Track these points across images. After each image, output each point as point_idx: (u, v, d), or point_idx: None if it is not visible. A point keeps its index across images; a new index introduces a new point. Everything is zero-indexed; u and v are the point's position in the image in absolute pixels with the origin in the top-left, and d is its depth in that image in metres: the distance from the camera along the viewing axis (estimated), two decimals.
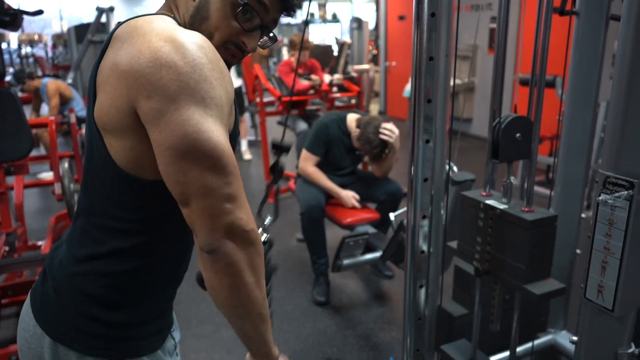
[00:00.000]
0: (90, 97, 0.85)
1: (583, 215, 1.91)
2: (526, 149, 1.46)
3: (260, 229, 1.10)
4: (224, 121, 0.80)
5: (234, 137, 0.90)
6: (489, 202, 1.49)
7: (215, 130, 0.78)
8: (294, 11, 0.96)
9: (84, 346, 0.90)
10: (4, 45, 13.60)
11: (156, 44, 0.77)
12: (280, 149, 1.09)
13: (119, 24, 0.87)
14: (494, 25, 6.44)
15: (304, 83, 4.74)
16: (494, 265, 1.49)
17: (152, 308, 0.98)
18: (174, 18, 0.90)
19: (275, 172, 1.10)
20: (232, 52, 0.93)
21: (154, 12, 0.94)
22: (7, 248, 2.99)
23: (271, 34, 0.98)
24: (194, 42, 0.79)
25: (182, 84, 0.76)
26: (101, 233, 0.90)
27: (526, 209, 1.43)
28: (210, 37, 0.89)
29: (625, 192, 0.95)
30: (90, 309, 0.90)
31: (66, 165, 3.52)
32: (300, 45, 4.28)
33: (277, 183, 1.12)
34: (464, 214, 1.60)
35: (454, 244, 1.68)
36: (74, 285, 0.91)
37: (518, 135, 1.44)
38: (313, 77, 4.70)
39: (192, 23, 0.90)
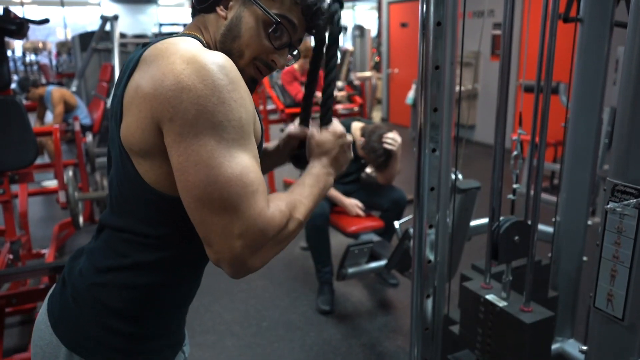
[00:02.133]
0: (117, 118, 0.87)
1: (589, 222, 1.90)
2: (525, 249, 1.53)
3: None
4: (243, 142, 0.82)
5: (259, 147, 0.93)
6: (489, 297, 1.55)
7: (227, 157, 0.79)
8: (319, 31, 1.01)
9: (101, 357, 0.92)
10: (8, 53, 13.69)
11: (179, 67, 0.79)
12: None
13: (147, 45, 0.90)
14: (497, 32, 6.45)
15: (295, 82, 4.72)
16: (495, 357, 1.55)
17: (168, 323, 1.00)
18: (201, 38, 0.93)
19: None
20: (260, 69, 0.97)
21: (181, 33, 0.97)
22: (11, 256, 2.99)
23: (295, 52, 1.03)
24: (215, 62, 0.81)
25: (200, 107, 0.78)
26: (125, 246, 0.92)
27: (525, 309, 1.49)
28: (240, 55, 0.93)
29: (634, 200, 0.95)
30: (109, 320, 0.92)
31: (70, 173, 3.53)
32: (306, 52, 4.29)
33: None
34: (464, 304, 1.66)
35: (455, 329, 1.72)
36: (94, 296, 0.92)
37: (517, 238, 1.51)
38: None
39: (224, 41, 0.93)
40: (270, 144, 1.21)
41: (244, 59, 0.94)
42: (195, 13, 1.00)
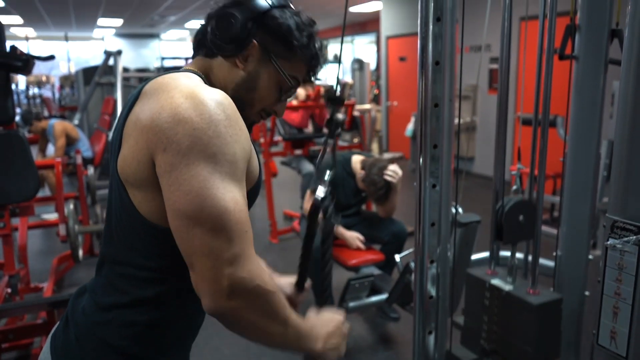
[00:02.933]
0: (115, 149, 0.89)
1: (590, 256, 1.89)
2: (530, 230, 1.49)
3: (319, 184, 1.09)
4: (235, 177, 0.82)
5: (255, 190, 0.95)
6: (495, 282, 1.51)
7: (220, 189, 0.79)
8: (313, 80, 1.07)
9: None
10: (12, 86, 13.86)
11: (177, 101, 0.81)
12: (335, 100, 1.09)
13: (148, 80, 0.92)
14: (494, 66, 6.56)
15: (297, 111, 4.76)
16: (501, 345, 1.50)
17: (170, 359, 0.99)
18: (202, 76, 0.95)
19: (332, 124, 1.11)
20: (262, 117, 1.02)
21: (183, 69, 0.99)
22: (9, 290, 2.96)
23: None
24: (214, 98, 0.82)
25: (195, 139, 0.79)
26: (125, 282, 0.92)
27: (532, 291, 1.45)
28: (251, 105, 0.98)
29: (634, 236, 0.95)
30: (111, 358, 0.91)
31: (71, 206, 3.53)
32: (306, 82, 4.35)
33: (334, 135, 1.12)
34: (469, 291, 1.61)
35: (460, 320, 1.68)
36: (96, 334, 0.92)
37: (521, 217, 1.48)
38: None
39: (238, 90, 0.96)
40: None
41: (254, 109, 0.99)
42: (196, 54, 1.02)
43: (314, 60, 1.01)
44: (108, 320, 0.92)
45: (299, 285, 1.16)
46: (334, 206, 1.08)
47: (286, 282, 1.21)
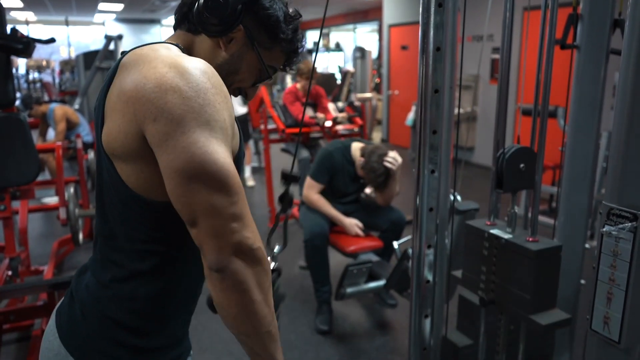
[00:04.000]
0: (99, 124, 0.89)
1: (587, 246, 1.91)
2: (530, 179, 1.48)
3: (269, 258, 1.11)
4: (228, 143, 0.83)
5: (239, 159, 0.95)
6: (494, 231, 1.50)
7: (220, 152, 0.80)
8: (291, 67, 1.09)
9: None
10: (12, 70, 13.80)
11: (161, 70, 0.81)
12: (289, 178, 1.11)
13: (125, 52, 0.92)
14: (495, 56, 6.54)
15: (307, 115, 4.78)
16: (499, 294, 1.49)
17: (173, 333, 1.01)
18: (181, 47, 0.95)
19: (285, 201, 1.12)
20: (234, 94, 1.03)
21: (160, 41, 0.98)
22: (9, 272, 2.99)
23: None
24: (197, 67, 0.83)
25: (187, 107, 0.79)
26: (120, 256, 0.94)
27: (531, 239, 1.44)
28: (229, 85, 0.98)
29: (629, 223, 0.96)
30: (116, 333, 0.93)
31: (72, 190, 3.54)
32: (308, 73, 4.34)
33: (286, 212, 1.14)
34: (468, 243, 1.60)
35: (458, 273, 1.68)
36: (101, 310, 0.94)
37: (522, 165, 1.45)
38: (318, 115, 4.75)
39: (219, 71, 0.95)
40: None
41: (231, 88, 1.01)
42: (179, 26, 1.01)
43: (294, 53, 1.04)
44: (109, 295, 0.94)
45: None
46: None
47: None
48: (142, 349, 0.95)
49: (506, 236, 1.47)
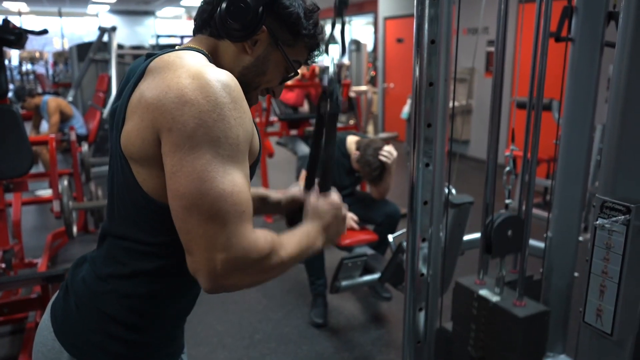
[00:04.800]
0: (119, 125, 0.89)
1: (580, 238, 1.92)
2: (517, 243, 1.55)
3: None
4: (237, 160, 0.84)
5: (255, 163, 0.97)
6: (482, 293, 1.56)
7: (220, 172, 0.81)
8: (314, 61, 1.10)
9: None
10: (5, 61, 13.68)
11: (184, 81, 0.81)
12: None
13: (151, 55, 0.92)
14: (491, 49, 6.53)
15: (292, 91, 4.76)
16: (488, 353, 1.56)
17: (168, 331, 1.02)
18: (207, 54, 0.95)
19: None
20: (262, 95, 1.05)
21: (186, 46, 0.98)
22: (3, 265, 2.97)
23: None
24: (220, 80, 0.83)
25: (200, 121, 0.80)
26: (125, 255, 0.94)
27: (518, 303, 1.50)
28: (257, 86, 1.00)
29: (622, 216, 0.97)
30: (111, 327, 0.93)
31: (65, 182, 3.53)
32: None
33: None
34: (458, 299, 1.67)
35: (449, 326, 1.73)
36: (96, 304, 0.94)
37: (510, 232, 1.53)
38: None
39: (246, 74, 0.98)
40: (273, 195, 1.24)
41: (258, 90, 1.02)
42: (198, 31, 1.01)
43: (317, 46, 1.04)
44: (107, 290, 0.94)
45: (308, 185, 1.17)
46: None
47: (295, 188, 1.24)
48: (137, 344, 0.95)
49: (494, 299, 1.53)
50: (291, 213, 1.22)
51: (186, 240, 0.83)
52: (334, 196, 1.09)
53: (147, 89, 0.85)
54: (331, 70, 1.13)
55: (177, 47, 0.95)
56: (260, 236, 0.86)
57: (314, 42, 1.03)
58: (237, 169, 0.84)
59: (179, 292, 1.00)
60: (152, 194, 0.88)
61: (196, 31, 1.02)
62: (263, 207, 1.21)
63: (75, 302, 0.96)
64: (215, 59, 0.97)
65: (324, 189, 1.10)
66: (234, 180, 0.82)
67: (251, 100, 1.01)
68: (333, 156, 1.13)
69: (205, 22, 0.98)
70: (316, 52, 1.06)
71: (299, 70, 1.08)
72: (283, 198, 1.23)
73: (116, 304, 0.93)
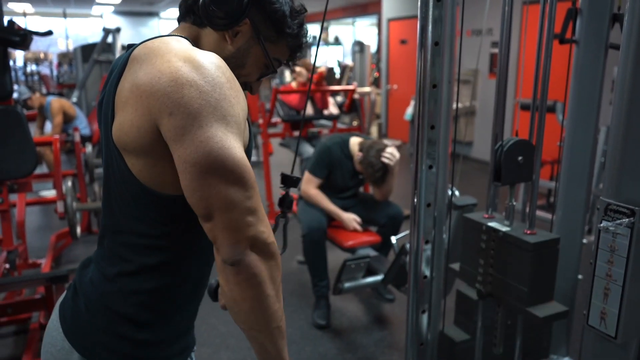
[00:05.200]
0: (109, 119, 0.88)
1: (584, 241, 1.91)
2: (528, 171, 1.48)
3: None
4: (241, 137, 0.84)
5: (248, 153, 0.94)
6: (491, 224, 1.50)
7: (236, 147, 0.81)
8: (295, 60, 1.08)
9: None
10: (10, 63, 13.75)
11: (176, 64, 0.80)
12: (289, 182, 1.10)
13: (132, 45, 0.91)
14: (495, 50, 6.53)
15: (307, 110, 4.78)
16: (497, 287, 1.49)
17: (177, 327, 1.01)
18: (191, 42, 0.94)
19: (284, 204, 1.12)
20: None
21: (169, 34, 0.97)
22: (7, 266, 2.98)
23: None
24: (212, 62, 0.83)
25: (204, 101, 0.79)
26: (128, 251, 0.93)
27: (528, 232, 1.44)
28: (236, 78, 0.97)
29: (627, 219, 0.96)
30: (121, 327, 0.93)
31: (69, 183, 3.54)
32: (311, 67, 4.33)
33: (286, 217, 1.13)
34: (466, 235, 1.60)
35: (456, 266, 1.69)
36: (105, 304, 0.94)
37: (520, 158, 1.45)
38: (299, 69, 4.74)
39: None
40: None
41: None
42: (182, 19, 1.00)
43: (299, 48, 1.03)
44: (115, 289, 0.94)
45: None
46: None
47: None
48: (147, 342, 0.95)
49: (504, 229, 1.46)
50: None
51: (207, 209, 0.81)
52: None
53: (136, 77, 0.83)
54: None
55: (158, 35, 0.93)
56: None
57: (297, 42, 1.02)
58: (242, 146, 0.84)
59: (185, 286, 0.99)
60: (148, 184, 0.87)
61: (180, 19, 1.01)
62: None
63: (84, 303, 0.96)
64: (197, 46, 0.95)
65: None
66: (245, 157, 0.83)
67: None
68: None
69: (188, 8, 0.98)
70: (298, 54, 1.05)
71: (304, 71, 1.08)
72: None
73: (125, 302, 0.93)
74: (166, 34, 0.96)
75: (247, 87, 1.04)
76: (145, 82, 0.81)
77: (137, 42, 0.92)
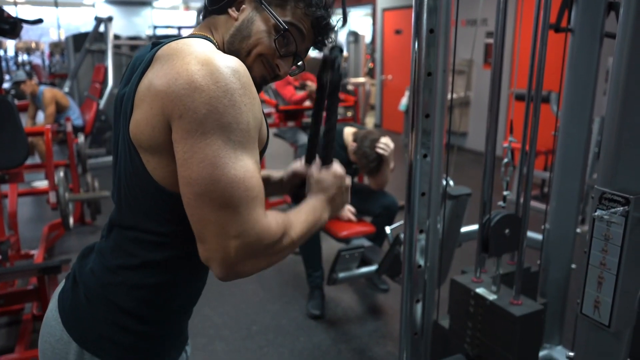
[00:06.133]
0: (127, 114, 0.88)
1: (578, 230, 1.92)
2: (515, 242, 1.54)
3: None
4: (247, 145, 0.84)
5: (263, 150, 0.97)
6: (479, 291, 1.56)
7: (232, 158, 0.81)
8: (324, 44, 1.03)
9: (111, 356, 0.93)
10: (0, 53, 13.61)
11: (193, 67, 0.81)
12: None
13: (158, 43, 0.92)
14: (489, 40, 6.51)
15: (299, 93, 4.75)
16: (485, 351, 1.56)
17: (176, 322, 1.02)
18: (212, 40, 0.95)
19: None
20: (266, 69, 0.98)
21: (192, 33, 0.99)
22: None
23: (300, 63, 1.05)
24: (229, 66, 0.83)
25: (211, 107, 0.79)
26: (134, 246, 0.93)
27: (514, 302, 1.49)
28: (248, 53, 0.95)
29: (621, 208, 0.96)
30: (121, 319, 0.93)
31: (61, 174, 3.51)
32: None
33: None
34: (454, 297, 1.66)
35: (445, 323, 1.73)
36: (106, 296, 0.94)
37: (507, 231, 1.52)
38: (308, 82, 4.72)
39: (232, 42, 0.96)
40: (275, 174, 1.24)
41: (251, 57, 0.96)
42: (206, 14, 1.01)
43: (310, 5, 0.96)
44: (117, 282, 0.94)
45: (309, 158, 1.16)
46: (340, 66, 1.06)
47: (297, 163, 1.22)
48: (146, 335, 0.96)
49: (491, 297, 1.52)
50: (294, 189, 1.21)
51: (198, 228, 0.83)
52: (337, 167, 1.09)
53: (156, 76, 0.84)
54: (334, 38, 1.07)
55: (184, 35, 0.94)
56: (272, 220, 0.86)
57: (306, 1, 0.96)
58: (248, 154, 0.83)
59: (188, 282, 1.00)
60: (162, 183, 0.88)
61: (204, 15, 1.03)
62: (266, 187, 1.19)
63: (84, 293, 0.96)
64: (215, 37, 0.97)
65: (326, 162, 1.09)
66: (246, 166, 0.82)
67: (255, 80, 0.94)
68: (334, 127, 1.12)
69: (202, 8, 1.00)
70: (315, 14, 0.96)
71: (312, 86, 1.05)
72: (285, 175, 1.22)
73: (126, 295, 0.93)
74: (190, 34, 0.98)
75: (273, 66, 0.98)
76: (163, 83, 0.82)
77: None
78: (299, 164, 1.21)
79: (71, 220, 3.63)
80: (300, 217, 0.96)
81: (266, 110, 5.07)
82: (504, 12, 1.46)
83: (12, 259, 3.19)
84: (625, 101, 0.95)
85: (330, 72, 1.07)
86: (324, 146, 1.11)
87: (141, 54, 0.96)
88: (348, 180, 1.09)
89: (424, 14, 1.20)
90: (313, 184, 1.06)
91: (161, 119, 0.83)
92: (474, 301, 1.56)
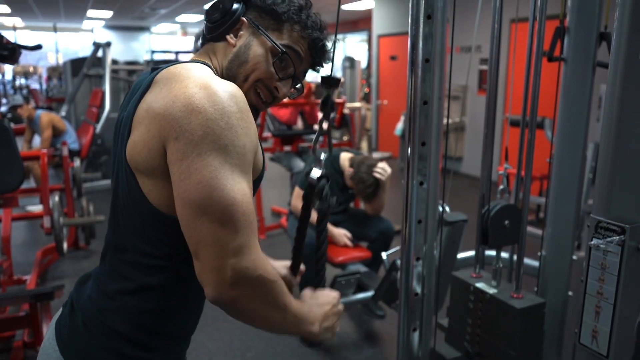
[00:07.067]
0: (124, 136, 0.89)
1: (574, 257, 1.91)
2: (515, 234, 1.51)
3: (318, 160, 1.10)
4: (244, 169, 0.84)
5: (259, 179, 0.97)
6: (479, 285, 1.54)
7: (230, 180, 0.81)
8: (322, 66, 1.06)
9: None
10: None
11: (191, 90, 0.82)
12: (329, 82, 1.09)
13: (157, 68, 0.93)
14: (484, 67, 6.59)
15: (286, 108, 4.78)
16: (485, 348, 1.52)
17: (175, 348, 1.01)
18: (210, 65, 0.97)
19: (327, 106, 1.11)
20: (262, 93, 0.99)
21: (191, 59, 1.01)
22: None
23: (298, 85, 1.06)
24: (227, 90, 0.84)
25: (208, 129, 0.80)
26: (130, 269, 0.93)
27: (515, 295, 1.47)
28: (245, 79, 0.97)
29: (617, 237, 0.96)
30: (119, 345, 0.92)
31: (56, 198, 3.49)
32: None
33: (330, 119, 1.11)
34: (454, 294, 1.63)
35: (444, 322, 1.70)
36: (103, 321, 0.93)
37: (507, 222, 1.49)
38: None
39: (230, 67, 0.97)
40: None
41: (248, 82, 0.97)
42: (204, 41, 1.03)
43: (306, 28, 0.99)
44: (114, 307, 0.93)
45: (294, 268, 1.17)
46: (330, 187, 1.08)
47: (281, 265, 1.24)
48: None
49: (491, 291, 1.50)
50: None
51: (195, 246, 0.82)
52: (329, 294, 1.09)
53: (155, 99, 0.85)
54: (322, 161, 1.11)
55: (183, 61, 0.96)
56: (267, 260, 0.86)
57: (298, 20, 0.98)
58: (244, 178, 0.84)
59: (185, 308, 0.99)
60: (157, 205, 0.88)
61: (202, 42, 1.05)
62: None
63: (82, 320, 0.95)
64: (214, 62, 0.99)
65: (318, 285, 1.11)
66: (243, 190, 0.82)
67: (251, 105, 0.96)
68: (325, 254, 1.13)
69: (200, 36, 1.03)
70: (311, 36, 0.99)
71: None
72: None
73: (124, 321, 0.92)
74: (190, 59, 1.00)
75: (271, 89, 0.99)
76: (161, 105, 0.83)
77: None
78: (284, 271, 1.24)
79: (65, 245, 3.60)
80: (295, 301, 0.95)
81: (265, 133, 5.11)
82: (498, 39, 1.48)
83: (4, 284, 3.15)
84: (619, 131, 0.96)
85: (319, 201, 1.10)
86: (316, 272, 1.12)
87: (141, 79, 0.98)
88: (341, 306, 1.09)
89: (420, 42, 1.22)
90: (308, 298, 1.05)
91: (158, 141, 0.83)
92: (473, 296, 1.52)
